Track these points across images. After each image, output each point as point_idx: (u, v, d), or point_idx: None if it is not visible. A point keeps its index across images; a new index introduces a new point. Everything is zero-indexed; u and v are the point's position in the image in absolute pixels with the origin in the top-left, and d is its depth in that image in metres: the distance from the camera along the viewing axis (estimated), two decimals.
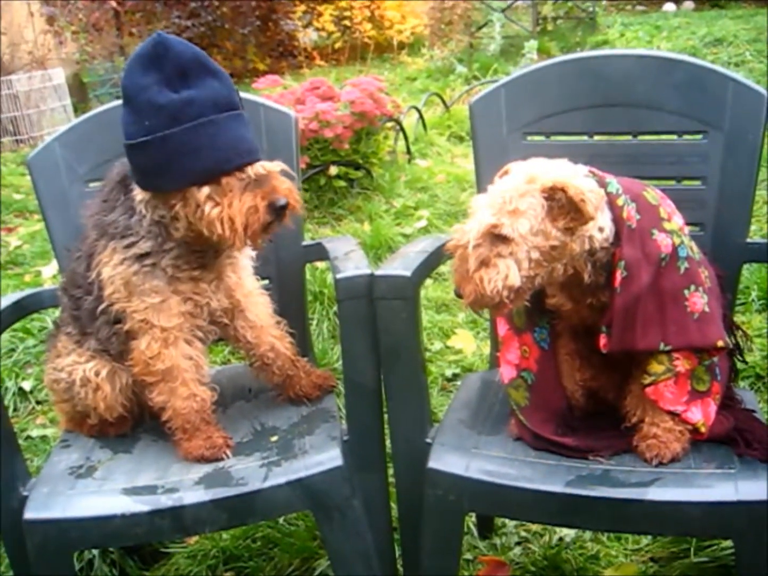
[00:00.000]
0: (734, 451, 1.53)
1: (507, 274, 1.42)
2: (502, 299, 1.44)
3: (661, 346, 1.51)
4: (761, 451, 1.50)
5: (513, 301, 1.47)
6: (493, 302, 1.44)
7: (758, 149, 1.81)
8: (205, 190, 1.57)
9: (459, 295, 1.48)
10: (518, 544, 2.19)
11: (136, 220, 1.67)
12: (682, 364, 1.52)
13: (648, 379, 1.53)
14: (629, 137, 1.92)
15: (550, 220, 1.45)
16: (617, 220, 1.51)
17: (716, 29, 9.29)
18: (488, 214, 1.44)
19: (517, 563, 2.12)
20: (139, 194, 1.66)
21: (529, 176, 1.47)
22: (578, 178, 1.48)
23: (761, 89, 1.80)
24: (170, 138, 1.54)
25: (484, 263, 1.43)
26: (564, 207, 1.44)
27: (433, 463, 1.60)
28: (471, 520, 2.25)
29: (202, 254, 1.73)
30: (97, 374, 1.78)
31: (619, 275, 1.49)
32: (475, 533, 2.23)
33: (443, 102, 6.73)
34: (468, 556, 2.16)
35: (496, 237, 1.43)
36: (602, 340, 1.54)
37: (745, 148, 1.81)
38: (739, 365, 1.77)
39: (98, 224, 1.72)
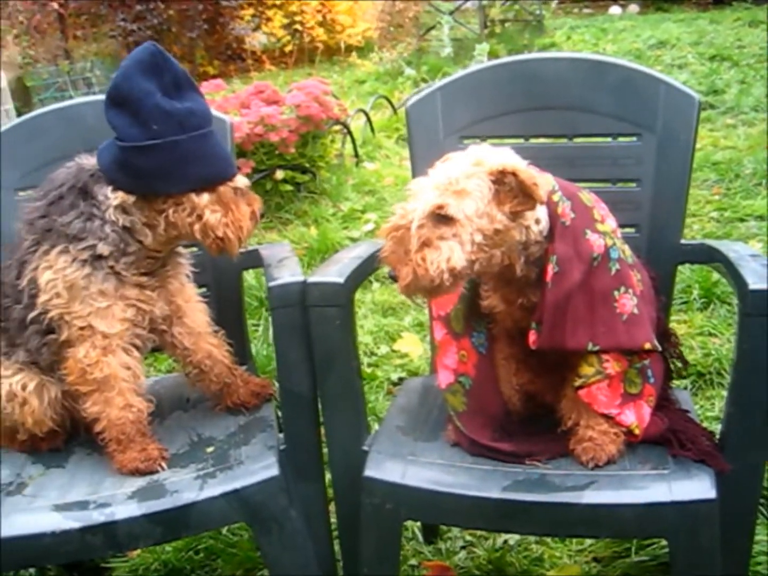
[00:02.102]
0: (668, 452, 1.54)
1: (450, 255, 1.39)
2: (442, 282, 1.40)
3: (590, 346, 1.52)
4: (694, 451, 1.52)
5: (451, 286, 1.44)
6: (432, 285, 1.41)
7: (690, 151, 1.83)
8: (206, 196, 1.66)
9: (394, 278, 1.44)
10: (463, 548, 2.19)
11: (98, 225, 1.65)
12: (612, 367, 1.53)
13: (578, 381, 1.54)
14: (565, 140, 1.93)
15: (496, 204, 1.43)
16: (552, 215, 1.50)
17: (660, 32, 9.45)
18: (434, 195, 1.41)
19: (461, 567, 2.12)
20: (115, 199, 1.65)
21: (476, 159, 1.45)
22: (524, 165, 1.48)
23: (692, 92, 1.82)
24: (180, 144, 1.60)
25: (425, 244, 1.40)
26: (512, 191, 1.43)
27: (370, 472, 1.59)
28: (416, 525, 2.25)
29: (154, 262, 1.73)
30: (24, 388, 1.73)
31: (550, 270, 1.49)
32: (420, 538, 2.22)
33: (391, 105, 6.73)
34: (413, 561, 2.16)
35: (440, 218, 1.40)
36: (531, 337, 1.54)
37: (677, 150, 1.83)
38: (679, 365, 1.78)
39: (43, 228, 1.68)
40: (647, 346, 1.54)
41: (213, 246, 1.71)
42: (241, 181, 1.74)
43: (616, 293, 1.52)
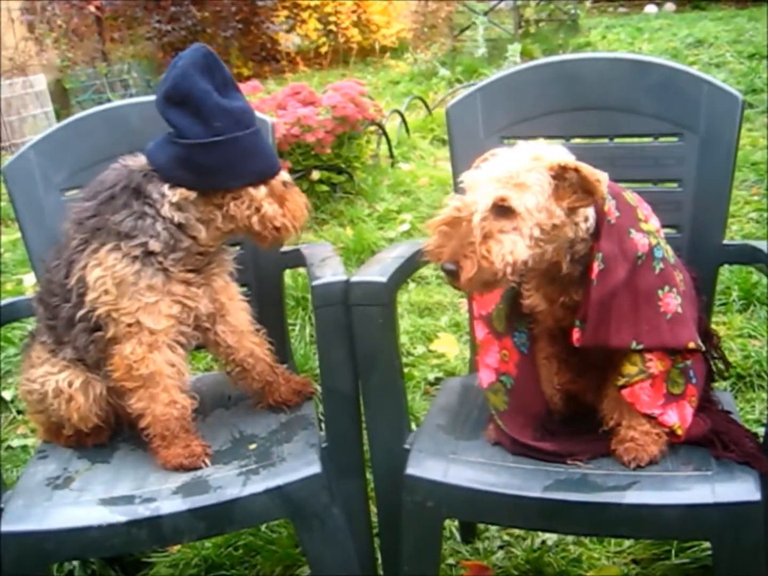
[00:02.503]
0: (711, 453, 1.54)
1: (513, 248, 1.40)
2: (504, 275, 1.41)
3: (634, 345, 1.51)
4: (737, 452, 1.51)
5: (509, 280, 1.44)
6: (495, 278, 1.41)
7: (733, 151, 1.81)
8: (263, 189, 1.73)
9: (450, 272, 1.43)
10: (501, 548, 2.20)
11: (149, 223, 1.69)
12: (655, 366, 1.53)
13: (622, 380, 1.54)
14: (606, 140, 1.92)
15: (555, 199, 1.44)
16: (599, 213, 1.51)
17: (697, 30, 9.36)
18: (494, 187, 1.42)
19: (499, 567, 2.12)
20: (173, 196, 1.69)
21: (534, 154, 1.46)
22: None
23: (735, 92, 1.81)
24: (239, 140, 1.68)
25: (487, 237, 1.40)
26: (572, 186, 1.44)
27: (411, 470, 1.60)
28: (453, 524, 2.25)
29: (201, 258, 1.78)
30: (70, 385, 1.77)
31: (596, 267, 1.49)
32: (458, 538, 2.23)
33: (426, 105, 6.74)
34: (451, 560, 2.17)
35: (501, 211, 1.41)
36: (575, 334, 1.54)
37: (720, 150, 1.81)
38: (720, 367, 1.77)
39: (93, 227, 1.71)
40: (691, 345, 1.53)
41: (269, 236, 1.78)
42: (285, 175, 1.80)
43: (660, 292, 1.52)
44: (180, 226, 1.71)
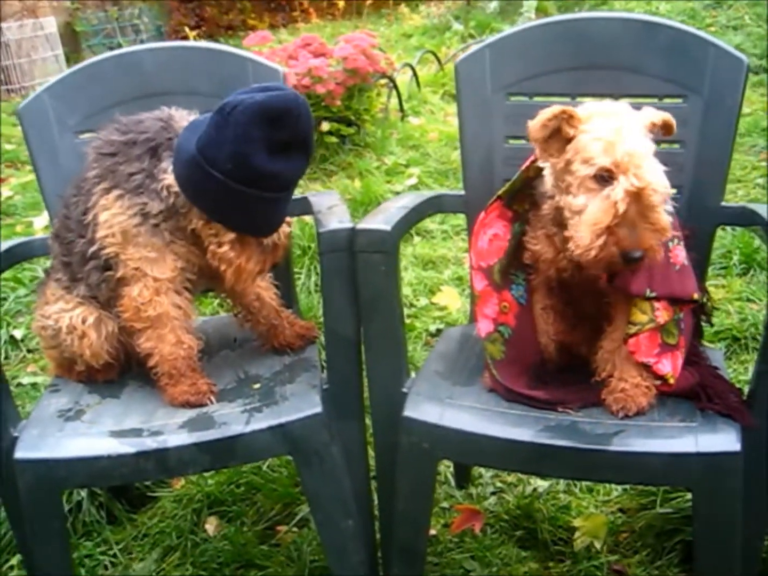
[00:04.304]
0: (696, 406, 1.59)
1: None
2: None
3: (647, 293, 1.57)
4: (721, 405, 1.57)
5: None
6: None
7: (736, 115, 1.84)
8: (232, 235, 1.68)
9: (638, 258, 1.44)
10: (493, 494, 2.28)
11: (154, 186, 1.70)
12: (662, 316, 1.58)
13: (633, 329, 1.58)
14: (611, 99, 1.94)
15: None
16: None
17: None
18: (654, 163, 1.47)
19: (491, 512, 2.20)
20: (168, 181, 1.68)
21: (634, 116, 1.52)
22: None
23: (741, 55, 1.83)
24: (239, 194, 1.60)
25: None
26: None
27: (409, 412, 1.66)
28: (449, 470, 2.33)
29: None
30: (83, 321, 1.82)
31: None
32: (453, 483, 2.31)
33: (438, 60, 6.70)
34: (445, 504, 2.25)
35: None
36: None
37: (723, 113, 1.84)
38: (716, 326, 1.83)
39: (108, 168, 1.73)
40: (696, 296, 1.60)
41: (214, 268, 1.74)
42: (282, 232, 1.76)
43: (670, 244, 1.58)
44: (174, 205, 1.71)
